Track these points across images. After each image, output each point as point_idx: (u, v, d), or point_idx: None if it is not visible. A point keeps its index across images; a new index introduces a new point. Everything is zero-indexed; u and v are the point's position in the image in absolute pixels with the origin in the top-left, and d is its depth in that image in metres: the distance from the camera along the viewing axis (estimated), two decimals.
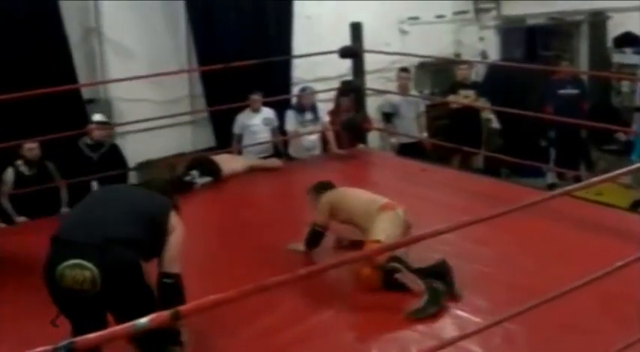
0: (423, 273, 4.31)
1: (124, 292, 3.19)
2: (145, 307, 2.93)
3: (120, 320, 2.91)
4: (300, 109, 8.08)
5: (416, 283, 4.27)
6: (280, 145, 8.20)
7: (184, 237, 3.56)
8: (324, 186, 5.21)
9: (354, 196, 4.99)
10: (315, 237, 5.00)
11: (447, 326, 3.98)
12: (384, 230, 4.50)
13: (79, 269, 3.08)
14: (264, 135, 7.97)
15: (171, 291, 3.41)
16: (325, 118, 8.19)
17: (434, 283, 4.22)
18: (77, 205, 3.60)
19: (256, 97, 7.86)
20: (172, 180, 6.69)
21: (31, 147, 6.51)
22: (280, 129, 8.15)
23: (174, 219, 3.55)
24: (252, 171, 7.31)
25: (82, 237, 3.19)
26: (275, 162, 7.66)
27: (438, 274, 4.33)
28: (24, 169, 6.57)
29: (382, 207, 4.71)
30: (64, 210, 6.62)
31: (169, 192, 3.89)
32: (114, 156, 7.11)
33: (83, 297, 3.13)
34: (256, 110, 7.92)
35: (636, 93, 9.33)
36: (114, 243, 3.16)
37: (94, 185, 6.69)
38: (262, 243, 5.31)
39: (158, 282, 3.40)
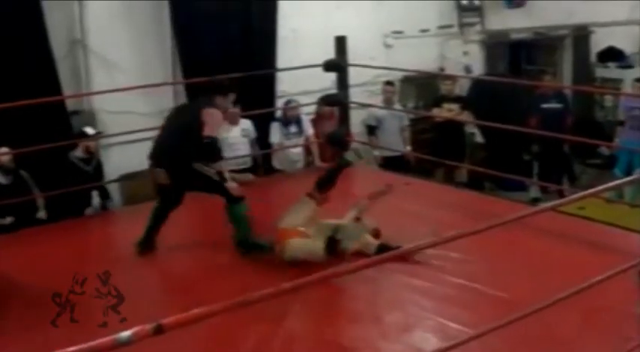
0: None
1: None
2: None
3: None
4: (285, 122, 8.09)
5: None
6: (259, 157, 8.09)
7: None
8: None
9: None
10: None
11: (429, 339, 3.98)
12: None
13: None
14: (243, 146, 7.82)
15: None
16: (309, 130, 8.19)
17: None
18: None
19: (234, 110, 7.77)
20: None
21: (2, 153, 6.48)
22: (263, 141, 8.12)
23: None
24: None
25: None
26: (247, 176, 7.37)
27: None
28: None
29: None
30: (41, 213, 6.66)
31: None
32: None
33: None
34: (234, 122, 7.85)
35: (619, 108, 9.41)
36: None
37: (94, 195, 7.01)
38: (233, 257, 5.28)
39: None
